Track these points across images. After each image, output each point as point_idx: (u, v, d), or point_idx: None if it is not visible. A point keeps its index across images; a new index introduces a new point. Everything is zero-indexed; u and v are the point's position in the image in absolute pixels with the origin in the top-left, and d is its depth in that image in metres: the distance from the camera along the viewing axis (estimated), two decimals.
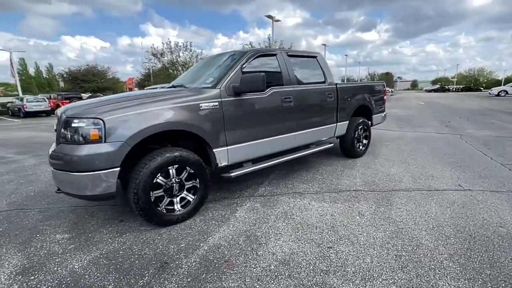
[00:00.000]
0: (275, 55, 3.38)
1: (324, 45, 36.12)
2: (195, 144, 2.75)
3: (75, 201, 2.99)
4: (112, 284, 1.73)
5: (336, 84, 4.06)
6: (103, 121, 2.08)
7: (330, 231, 2.31)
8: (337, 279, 1.72)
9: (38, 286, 1.73)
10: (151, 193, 2.30)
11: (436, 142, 5.71)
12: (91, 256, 2.03)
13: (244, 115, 2.88)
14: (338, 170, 4.01)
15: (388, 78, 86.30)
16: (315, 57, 3.97)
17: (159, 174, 2.32)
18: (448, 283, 1.66)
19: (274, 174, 3.85)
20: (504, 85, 36.24)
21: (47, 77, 46.85)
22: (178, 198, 2.52)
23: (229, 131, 2.75)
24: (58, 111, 2.54)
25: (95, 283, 1.74)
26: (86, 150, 2.08)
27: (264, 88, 2.79)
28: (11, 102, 18.91)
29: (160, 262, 1.94)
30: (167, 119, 2.33)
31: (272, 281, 1.72)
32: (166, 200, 2.45)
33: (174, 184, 2.45)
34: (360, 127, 4.56)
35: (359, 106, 4.52)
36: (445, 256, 1.93)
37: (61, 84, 38.02)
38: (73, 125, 2.14)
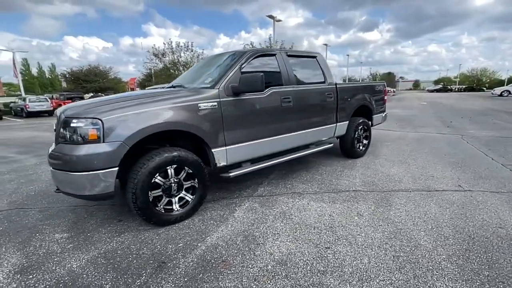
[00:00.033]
0: (274, 55, 3.37)
1: (326, 45, 36.05)
2: (194, 144, 2.76)
3: (75, 201, 3.00)
4: (110, 283, 1.73)
5: (336, 84, 4.06)
6: (101, 121, 2.09)
7: (328, 231, 2.31)
8: (334, 280, 1.72)
9: (36, 285, 1.74)
10: (150, 193, 2.31)
11: (437, 143, 5.68)
12: (90, 256, 2.04)
13: (243, 115, 2.88)
14: (337, 170, 4.00)
15: (390, 78, 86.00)
16: (314, 57, 3.96)
17: (157, 174, 2.32)
18: (445, 284, 1.65)
19: (273, 174, 3.85)
20: (507, 85, 36.05)
21: (50, 77, 47.16)
22: (176, 198, 2.52)
23: (227, 131, 2.75)
24: (58, 111, 2.56)
25: (93, 282, 1.75)
26: (84, 150, 2.09)
27: (263, 88, 2.79)
28: (14, 102, 19.04)
29: (158, 262, 1.94)
30: (166, 119, 2.33)
31: (269, 281, 1.72)
32: (165, 200, 2.45)
33: (173, 184, 2.45)
34: (360, 127, 4.54)
35: (359, 106, 4.51)
36: (443, 257, 1.92)
37: (64, 84, 38.25)
38: (72, 125, 2.15)
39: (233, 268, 1.85)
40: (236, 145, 2.86)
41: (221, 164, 2.79)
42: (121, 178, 2.60)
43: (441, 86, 58.70)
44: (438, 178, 3.56)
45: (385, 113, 5.41)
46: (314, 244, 2.11)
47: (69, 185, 2.21)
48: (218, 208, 2.83)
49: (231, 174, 2.83)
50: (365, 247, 2.06)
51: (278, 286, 1.68)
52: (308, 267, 1.84)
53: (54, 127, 2.58)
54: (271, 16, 19.57)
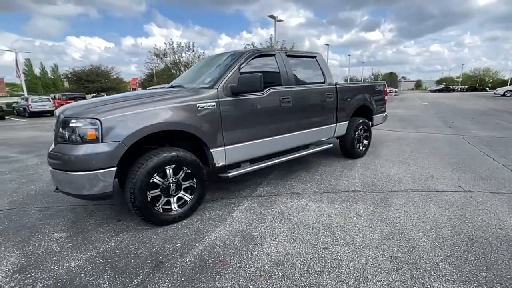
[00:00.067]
0: (273, 55, 3.37)
1: (327, 45, 36.01)
2: (193, 144, 2.76)
3: (75, 200, 3.02)
4: (107, 282, 1.74)
5: (335, 84, 4.05)
6: (100, 121, 2.10)
7: (326, 231, 2.30)
8: (331, 280, 1.71)
9: (35, 284, 1.75)
10: (148, 192, 2.31)
11: (438, 143, 5.66)
12: (88, 255, 2.05)
13: (241, 115, 2.88)
14: (337, 170, 3.99)
15: (392, 78, 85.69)
16: (314, 57, 3.96)
17: (155, 174, 2.33)
18: (443, 285, 1.65)
19: (273, 174, 3.85)
20: (510, 85, 35.78)
21: (52, 77, 47.49)
22: (175, 198, 2.53)
23: (226, 131, 2.76)
24: (57, 111, 2.57)
25: (90, 282, 1.75)
26: (83, 150, 2.10)
27: (262, 88, 2.79)
28: (17, 102, 19.16)
29: (155, 262, 1.95)
30: (164, 119, 2.34)
31: (265, 281, 1.72)
32: (163, 199, 2.46)
33: (171, 184, 2.46)
34: (360, 128, 4.53)
35: (359, 106, 4.50)
36: (441, 258, 1.91)
37: (66, 84, 38.48)
38: (70, 125, 2.16)
39: (230, 268, 1.85)
40: (235, 145, 2.86)
41: (219, 164, 2.80)
42: (121, 178, 2.61)
43: (443, 86, 58.38)
44: (438, 178, 3.54)
45: (385, 113, 5.40)
46: (311, 245, 2.11)
47: (68, 185, 2.22)
48: (217, 208, 2.83)
49: (229, 174, 2.83)
50: (362, 247, 2.05)
51: (274, 286, 1.68)
52: (305, 268, 1.84)
53: (54, 127, 2.60)
54: (272, 16, 19.57)
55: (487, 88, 52.20)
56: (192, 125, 2.51)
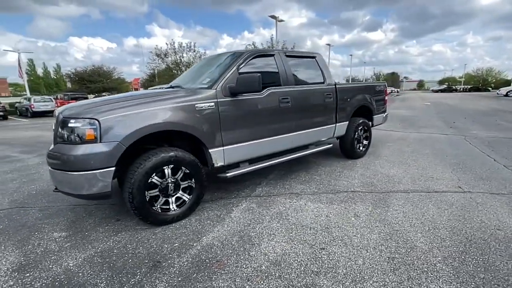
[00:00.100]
0: (272, 55, 3.38)
1: (329, 45, 35.94)
2: (191, 144, 2.77)
3: (75, 200, 3.03)
4: (104, 282, 1.75)
5: (335, 84, 4.04)
6: (98, 121, 2.12)
7: (324, 232, 2.30)
8: (327, 281, 1.71)
9: (33, 283, 1.76)
10: (146, 192, 2.32)
11: (439, 143, 5.63)
12: (86, 254, 2.06)
13: (240, 116, 2.88)
14: (337, 171, 3.99)
15: (394, 78, 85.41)
16: (314, 57, 3.95)
17: (154, 174, 2.34)
18: (439, 286, 1.64)
19: (272, 175, 3.85)
20: None
21: (55, 77, 47.74)
22: (173, 198, 2.54)
23: (225, 132, 2.76)
24: (56, 111, 2.59)
25: (88, 281, 1.76)
26: (82, 150, 2.11)
27: (260, 89, 2.80)
28: (19, 102, 19.29)
29: (153, 261, 1.96)
30: (162, 119, 2.35)
31: (262, 282, 1.72)
32: (162, 199, 2.47)
33: (170, 184, 2.47)
34: (360, 128, 4.52)
35: (359, 106, 4.48)
36: (439, 259, 1.90)
37: (68, 84, 38.69)
38: (69, 125, 2.17)
39: (227, 268, 1.86)
40: (234, 146, 2.86)
41: (218, 164, 2.80)
42: (120, 178, 2.62)
43: (445, 86, 58.10)
44: (438, 179, 3.53)
45: (386, 113, 5.38)
46: (309, 245, 2.11)
47: (67, 184, 2.23)
48: (216, 208, 2.84)
49: (228, 175, 2.84)
50: (360, 248, 2.05)
51: (271, 286, 1.68)
52: (302, 268, 1.84)
53: (53, 127, 2.61)
54: (273, 16, 19.56)
55: (490, 88, 51.86)
56: (191, 125, 2.52)
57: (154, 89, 4.14)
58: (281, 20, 20.07)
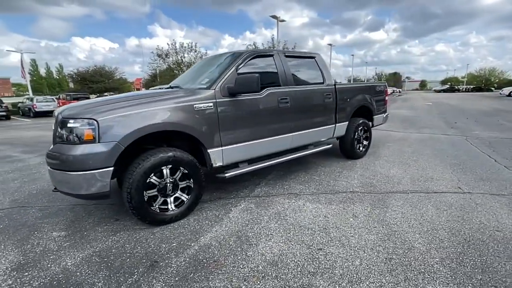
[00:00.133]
0: (271, 56, 3.38)
1: (330, 45, 35.89)
2: (190, 144, 2.78)
3: (74, 200, 3.05)
4: (102, 281, 1.76)
5: (335, 84, 4.04)
6: (97, 121, 2.13)
7: (322, 232, 2.30)
8: (324, 281, 1.71)
9: (31, 282, 1.78)
10: (145, 192, 2.33)
11: (440, 144, 5.61)
12: (84, 254, 2.07)
13: (239, 116, 2.89)
14: (336, 171, 3.98)
15: (396, 78, 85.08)
16: (313, 57, 3.95)
17: (152, 174, 2.35)
18: (436, 287, 1.64)
19: (272, 175, 3.85)
20: None
21: (58, 77, 48.04)
22: (172, 198, 2.54)
23: (223, 132, 2.77)
24: (56, 112, 2.61)
25: (86, 280, 1.78)
26: (80, 150, 2.13)
27: (259, 89, 2.80)
28: (22, 102, 19.42)
29: (151, 261, 1.96)
30: (160, 120, 2.36)
31: (258, 282, 1.72)
32: (160, 199, 2.48)
33: (168, 184, 2.48)
34: (360, 128, 4.51)
35: (359, 106, 4.48)
36: (437, 260, 1.90)
37: (71, 84, 38.89)
38: (68, 125, 2.19)
39: (224, 268, 1.86)
40: (232, 146, 2.87)
41: (217, 165, 2.81)
42: (119, 178, 2.64)
43: (448, 86, 57.79)
44: (438, 179, 3.51)
45: (386, 113, 5.36)
46: (306, 245, 2.11)
47: (66, 184, 2.25)
48: (214, 208, 2.84)
49: (226, 175, 2.84)
50: (357, 249, 2.05)
51: (267, 286, 1.68)
52: (299, 268, 1.84)
53: (53, 127, 2.63)
54: (274, 17, 19.57)
55: (493, 88, 51.54)
56: (189, 125, 2.53)
57: (155, 89, 4.16)
58: (283, 20, 20.07)
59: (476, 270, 1.78)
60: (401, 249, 2.03)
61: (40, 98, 18.41)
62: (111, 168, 2.18)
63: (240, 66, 2.97)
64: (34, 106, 16.96)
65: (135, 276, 1.81)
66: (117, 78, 36.00)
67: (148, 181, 2.33)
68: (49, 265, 1.95)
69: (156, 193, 2.43)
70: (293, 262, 1.91)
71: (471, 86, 56.02)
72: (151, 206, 2.41)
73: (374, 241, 2.14)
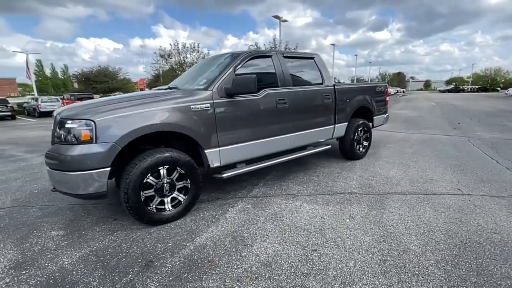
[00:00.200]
0: (270, 56, 3.38)
1: (333, 45, 35.75)
2: (188, 145, 2.80)
3: (74, 199, 3.07)
4: (97, 280, 1.78)
5: (334, 85, 4.03)
6: (94, 122, 2.15)
7: (318, 233, 2.30)
8: (317, 283, 1.71)
9: (28, 280, 1.81)
10: (141, 192, 2.35)
11: (441, 145, 5.56)
12: (81, 253, 2.10)
13: (236, 117, 2.90)
14: (335, 172, 3.97)
15: (400, 78, 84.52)
16: (312, 58, 3.95)
17: (149, 174, 2.37)
18: None
19: (271, 175, 3.86)
20: None
21: (63, 78, 48.49)
22: (169, 198, 2.56)
23: (221, 132, 2.78)
24: (54, 112, 2.64)
25: (81, 279, 1.80)
26: (78, 150, 2.15)
27: (256, 90, 2.81)
28: (27, 102, 19.66)
29: (146, 261, 1.98)
30: (157, 120, 2.38)
31: (251, 282, 1.73)
32: (157, 199, 2.49)
33: (165, 184, 2.49)
34: (360, 129, 4.49)
35: (359, 107, 4.46)
36: (432, 262, 1.88)
37: (76, 85, 39.27)
38: (66, 126, 2.22)
39: (218, 269, 1.87)
40: (230, 146, 2.88)
41: (214, 165, 2.82)
42: (118, 178, 2.66)
43: (453, 86, 57.24)
44: (438, 181, 3.49)
45: (387, 114, 5.33)
46: (301, 246, 2.11)
47: (64, 184, 2.28)
48: (211, 208, 2.86)
49: (224, 175, 2.85)
50: (352, 250, 2.04)
51: (260, 287, 1.69)
52: (292, 269, 1.84)
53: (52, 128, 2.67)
54: (276, 17, 19.56)
55: (499, 89, 50.93)
56: (186, 126, 2.54)
57: (155, 90, 4.19)
58: (285, 20, 20.05)
59: (471, 273, 1.76)
60: (396, 251, 2.03)
61: (45, 98, 18.62)
62: (108, 168, 2.21)
63: (238, 67, 2.98)
64: (39, 106, 17.16)
65: (130, 275, 1.82)
66: (121, 79, 36.25)
67: (145, 181, 2.35)
68: (46, 264, 1.97)
69: (153, 193, 2.45)
70: (287, 263, 1.92)
71: (477, 86, 55.42)
72: (148, 206, 2.43)
73: (370, 243, 2.13)
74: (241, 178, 3.60)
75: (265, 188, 3.41)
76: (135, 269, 1.89)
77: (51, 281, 1.79)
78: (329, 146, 4.13)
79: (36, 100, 18.04)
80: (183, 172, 2.56)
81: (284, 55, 3.58)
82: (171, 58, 22.58)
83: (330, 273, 1.80)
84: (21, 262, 2.01)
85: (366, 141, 4.74)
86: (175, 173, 2.54)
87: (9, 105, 16.59)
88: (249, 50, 3.39)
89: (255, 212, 2.73)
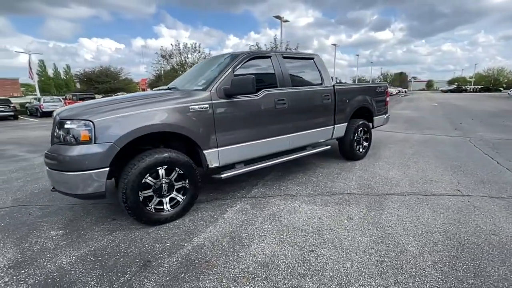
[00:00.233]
0: (269, 57, 3.39)
1: (335, 45, 35.66)
2: (187, 145, 2.80)
3: (74, 199, 3.08)
4: (95, 280, 1.80)
5: (333, 85, 4.03)
6: (93, 123, 2.17)
7: (315, 234, 2.30)
8: (313, 283, 1.72)
9: (27, 279, 1.82)
10: (140, 193, 2.36)
11: (442, 145, 5.54)
12: (80, 253, 2.11)
13: (235, 117, 2.90)
14: (335, 172, 3.97)
15: (402, 78, 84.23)
16: (312, 58, 3.95)
17: (147, 175, 2.38)
18: None
19: (270, 176, 3.86)
20: None
21: (65, 78, 48.81)
22: (167, 198, 2.57)
23: (220, 133, 2.79)
24: (54, 113, 2.66)
25: (79, 279, 1.81)
26: (77, 150, 2.17)
27: (254, 90, 2.81)
28: (29, 103, 19.78)
29: (144, 261, 1.99)
30: (156, 121, 2.39)
31: (247, 283, 1.73)
32: (156, 200, 2.50)
33: (163, 185, 2.50)
34: (360, 129, 4.49)
35: (359, 107, 4.45)
36: (429, 263, 1.88)
37: (78, 85, 39.49)
38: (65, 126, 2.24)
39: (215, 269, 1.88)
40: (229, 147, 2.89)
41: (213, 166, 2.83)
42: (117, 178, 2.67)
43: (455, 86, 56.95)
44: (437, 182, 3.48)
45: (387, 114, 5.32)
46: (298, 247, 2.11)
47: (63, 184, 2.29)
48: (210, 208, 2.86)
49: (222, 176, 2.86)
50: (349, 251, 2.04)
51: (256, 287, 1.69)
52: (289, 270, 1.85)
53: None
54: (278, 17, 19.55)
55: (501, 89, 50.61)
56: (185, 127, 2.55)
57: (155, 90, 4.20)
58: (286, 21, 20.03)
59: (468, 274, 1.76)
60: (393, 252, 2.02)
61: (47, 98, 18.74)
62: (107, 169, 2.22)
63: (237, 68, 2.99)
64: (41, 106, 17.26)
65: (127, 275, 1.83)
66: (123, 79, 36.39)
67: (143, 181, 2.37)
68: (45, 263, 1.99)
69: (151, 193, 2.46)
70: (284, 263, 1.92)
71: (479, 86, 55.10)
72: (146, 206, 2.44)
73: (367, 244, 2.13)
74: (240, 178, 3.61)
75: (264, 188, 3.41)
76: (133, 269, 1.90)
77: (49, 280, 1.81)
78: (329, 147, 4.13)
79: (39, 100, 18.15)
80: (181, 172, 2.57)
81: (284, 55, 3.58)
82: (172, 58, 22.65)
83: (326, 274, 1.80)
84: (20, 261, 2.02)
85: (366, 142, 4.73)
86: (173, 173, 2.55)
87: (12, 105, 16.69)
88: (249, 50, 3.39)
89: (253, 213, 2.73)
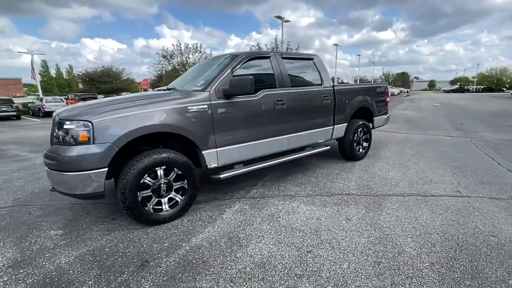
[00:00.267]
0: (268, 57, 3.39)
1: (336, 45, 35.59)
2: (186, 146, 2.81)
3: (74, 199, 3.10)
4: (92, 280, 1.81)
5: (333, 86, 4.02)
6: (91, 123, 2.18)
7: (313, 235, 2.30)
8: (310, 284, 1.72)
9: (25, 279, 1.83)
10: (138, 193, 2.37)
11: (443, 146, 5.52)
12: (79, 252, 2.13)
13: (234, 118, 2.91)
14: (334, 173, 3.96)
15: (404, 78, 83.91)
16: (311, 59, 3.95)
17: (146, 175, 2.39)
18: None
19: (269, 176, 3.86)
20: None
21: (67, 78, 49.06)
22: (166, 199, 2.58)
23: (218, 133, 2.79)
24: (54, 113, 2.68)
25: (77, 278, 1.82)
26: (76, 151, 2.18)
27: (253, 91, 2.82)
28: (32, 103, 19.90)
29: (141, 261, 2.00)
30: (154, 122, 2.40)
31: (244, 283, 1.74)
32: (154, 200, 2.51)
33: (162, 185, 2.51)
34: (360, 130, 4.48)
35: (358, 108, 4.45)
36: (426, 264, 1.88)
37: (80, 85, 39.69)
38: (64, 126, 2.25)
39: (212, 269, 1.88)
40: (227, 147, 2.89)
41: (212, 166, 2.84)
42: (116, 178, 2.69)
43: (457, 86, 56.68)
44: (437, 182, 3.46)
45: (387, 115, 5.31)
46: (296, 248, 2.12)
47: (62, 184, 2.31)
48: (209, 209, 2.87)
49: (221, 176, 2.87)
50: (347, 252, 2.04)
51: None
52: (286, 271, 1.85)
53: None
54: (279, 17, 19.54)
55: (504, 89, 50.30)
56: (184, 127, 2.56)
57: (155, 90, 4.22)
58: (287, 21, 20.02)
59: (465, 276, 1.75)
60: (391, 253, 2.02)
61: (49, 99, 18.84)
62: (106, 169, 2.23)
63: (235, 68, 3.00)
64: (44, 106, 17.37)
65: (125, 275, 1.84)
66: (124, 79, 36.49)
67: (142, 181, 2.38)
68: (44, 263, 2.00)
69: (150, 193, 2.47)
70: (281, 264, 1.92)
71: (482, 86, 54.80)
72: (145, 206, 2.45)
73: (365, 245, 2.13)
74: (239, 178, 3.61)
75: (263, 188, 3.41)
76: (131, 268, 1.91)
77: (47, 280, 1.82)
78: (328, 147, 4.12)
79: (41, 100, 18.26)
80: (180, 172, 2.58)
81: (283, 56, 3.58)
82: (173, 58, 22.71)
83: (323, 274, 1.80)
84: (20, 261, 2.04)
85: (366, 142, 4.72)
86: (172, 173, 2.56)
87: (14, 105, 16.80)
88: (248, 51, 3.39)
89: (252, 213, 2.73)
